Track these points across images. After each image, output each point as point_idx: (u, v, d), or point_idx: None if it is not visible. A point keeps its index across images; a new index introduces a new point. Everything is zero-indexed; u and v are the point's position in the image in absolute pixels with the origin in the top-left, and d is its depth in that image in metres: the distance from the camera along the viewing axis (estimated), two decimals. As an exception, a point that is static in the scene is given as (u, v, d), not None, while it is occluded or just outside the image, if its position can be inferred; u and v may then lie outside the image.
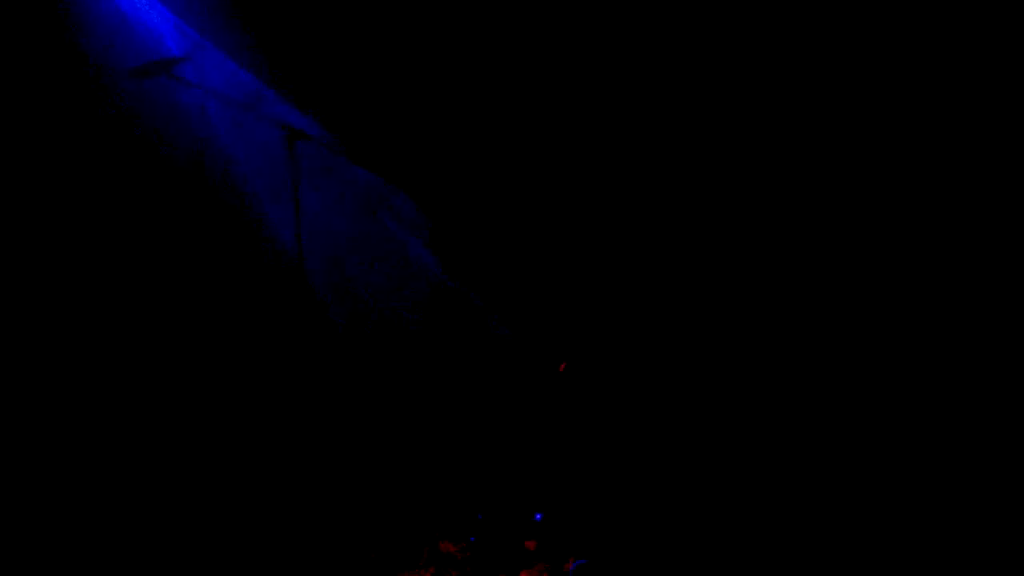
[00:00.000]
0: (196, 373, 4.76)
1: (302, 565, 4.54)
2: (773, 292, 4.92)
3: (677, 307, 5.08)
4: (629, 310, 5.15)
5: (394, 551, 4.81)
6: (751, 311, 4.95)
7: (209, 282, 4.88)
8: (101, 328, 4.57)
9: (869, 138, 4.74)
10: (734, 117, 4.90)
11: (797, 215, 4.88)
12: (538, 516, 4.74)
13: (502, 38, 4.98)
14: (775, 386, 4.84)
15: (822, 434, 4.71)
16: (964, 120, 4.58)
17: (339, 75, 4.97)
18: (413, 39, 4.98)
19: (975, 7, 4.48)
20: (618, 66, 4.98)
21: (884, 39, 4.65)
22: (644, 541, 4.73)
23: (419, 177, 5.25)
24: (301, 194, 4.34)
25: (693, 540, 4.66)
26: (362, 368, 5.24)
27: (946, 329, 4.60)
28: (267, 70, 4.92)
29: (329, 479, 4.89)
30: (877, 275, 4.74)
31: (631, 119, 5.05)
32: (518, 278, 5.25)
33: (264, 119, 4.52)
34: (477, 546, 4.64)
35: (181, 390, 4.73)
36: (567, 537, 4.69)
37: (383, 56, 4.99)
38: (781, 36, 4.76)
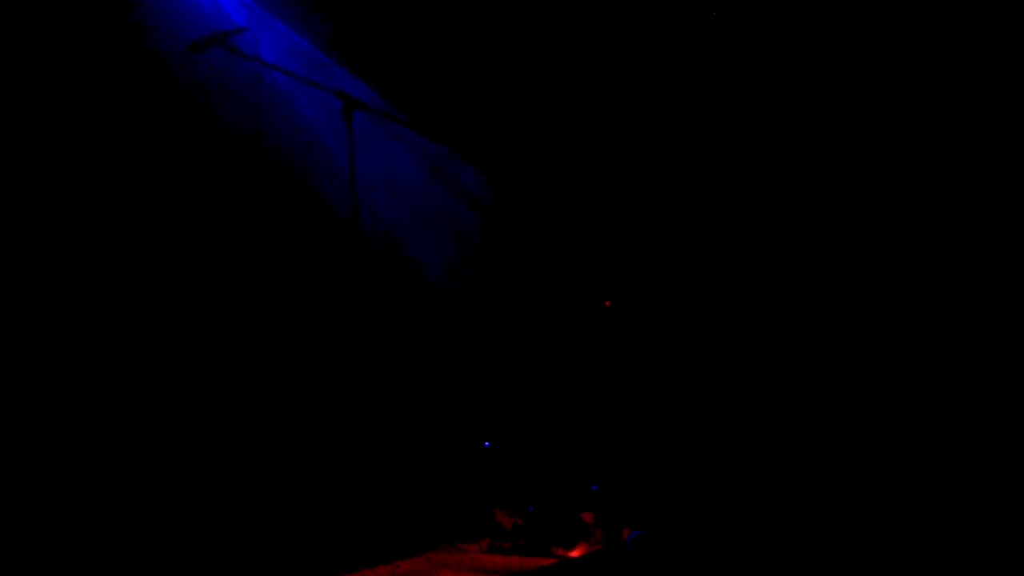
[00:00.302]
0: (249, 347, 4.77)
1: (359, 532, 4.57)
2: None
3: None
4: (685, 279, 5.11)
5: (449, 521, 4.82)
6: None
7: (263, 255, 4.89)
8: (162, 295, 4.58)
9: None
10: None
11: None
12: (594, 487, 4.71)
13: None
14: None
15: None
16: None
17: (403, 38, 4.92)
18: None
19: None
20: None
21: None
22: (699, 512, 4.71)
23: (485, 144, 5.19)
24: (358, 166, 4.33)
25: (747, 510, 4.64)
26: (419, 343, 5.24)
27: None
28: (327, 36, 4.90)
29: (377, 450, 4.89)
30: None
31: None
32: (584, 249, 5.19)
33: (321, 89, 4.51)
34: (535, 516, 4.62)
35: (237, 361, 4.74)
36: (623, 509, 4.67)
37: (448, 17, 4.94)
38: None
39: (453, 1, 4.97)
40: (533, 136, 5.19)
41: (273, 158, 4.96)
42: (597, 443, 5.06)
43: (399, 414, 5.07)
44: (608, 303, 4.98)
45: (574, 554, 4.50)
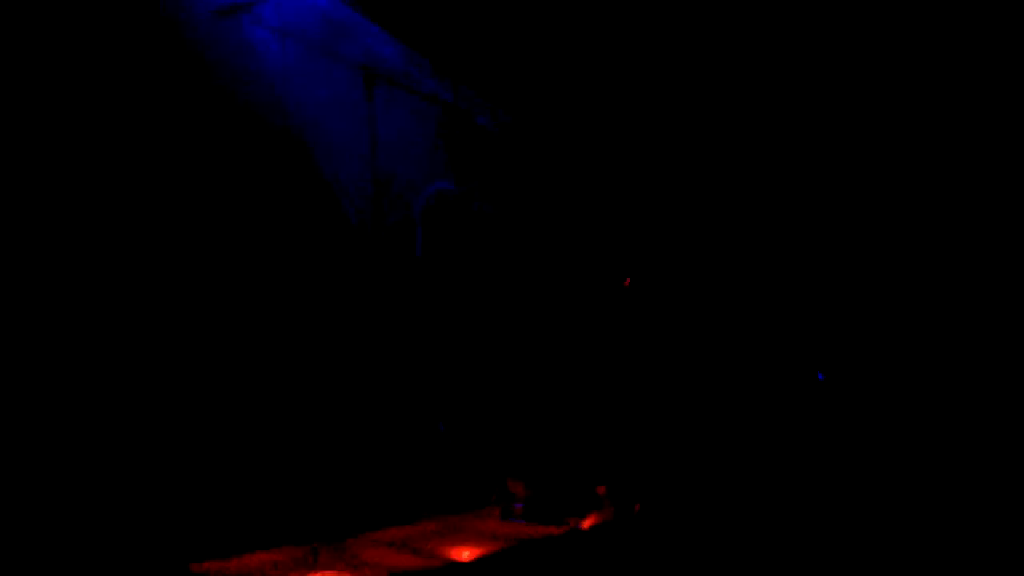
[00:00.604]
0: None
1: (377, 496, 4.65)
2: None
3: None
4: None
5: (464, 489, 4.90)
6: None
7: (279, 234, 4.87)
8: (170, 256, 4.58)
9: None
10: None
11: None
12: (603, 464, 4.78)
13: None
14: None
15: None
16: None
17: None
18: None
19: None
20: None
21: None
22: (708, 489, 4.75)
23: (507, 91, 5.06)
24: (370, 134, 4.32)
25: (758, 489, 4.67)
26: (429, 314, 5.26)
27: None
28: None
29: (394, 417, 4.95)
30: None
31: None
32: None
33: (340, 59, 4.51)
34: (548, 487, 4.69)
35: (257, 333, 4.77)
36: (636, 483, 4.73)
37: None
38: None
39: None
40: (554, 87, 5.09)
41: (291, 129, 4.96)
42: (612, 418, 5.10)
43: (415, 382, 5.13)
44: (627, 281, 4.99)
45: (585, 525, 4.57)
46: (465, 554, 4.15)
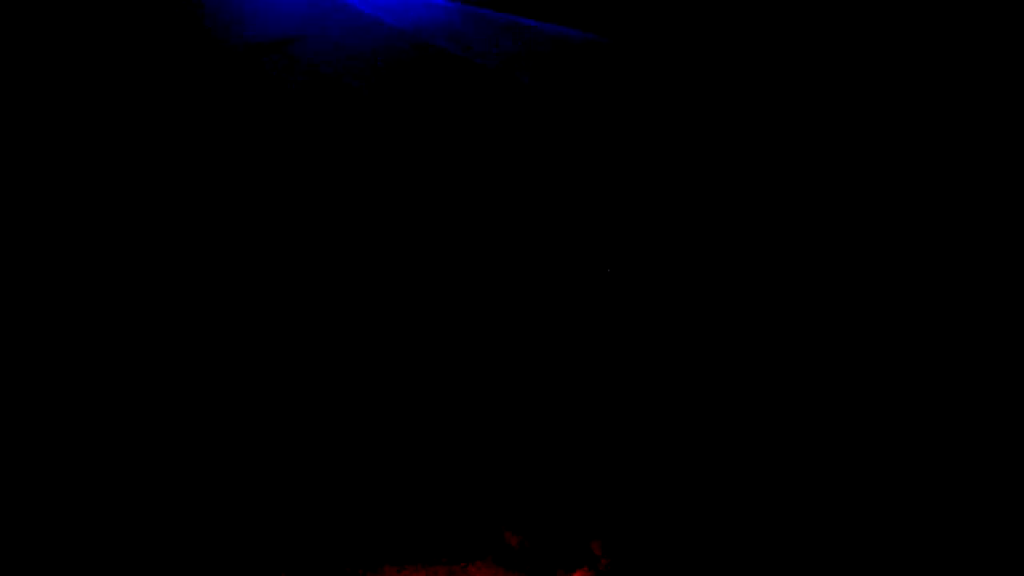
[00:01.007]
0: None
1: (363, 545, 4.59)
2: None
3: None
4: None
5: (454, 539, 4.86)
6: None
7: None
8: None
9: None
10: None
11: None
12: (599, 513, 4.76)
13: None
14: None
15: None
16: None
17: None
18: None
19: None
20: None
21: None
22: (710, 547, 4.74)
23: None
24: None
25: (764, 548, 4.66)
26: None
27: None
28: None
29: (382, 463, 4.90)
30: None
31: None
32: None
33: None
34: (542, 539, 4.69)
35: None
36: (632, 538, 4.73)
37: None
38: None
39: None
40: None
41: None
42: (610, 470, 5.10)
43: (412, 425, 5.08)
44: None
45: (577, 579, 4.57)
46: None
